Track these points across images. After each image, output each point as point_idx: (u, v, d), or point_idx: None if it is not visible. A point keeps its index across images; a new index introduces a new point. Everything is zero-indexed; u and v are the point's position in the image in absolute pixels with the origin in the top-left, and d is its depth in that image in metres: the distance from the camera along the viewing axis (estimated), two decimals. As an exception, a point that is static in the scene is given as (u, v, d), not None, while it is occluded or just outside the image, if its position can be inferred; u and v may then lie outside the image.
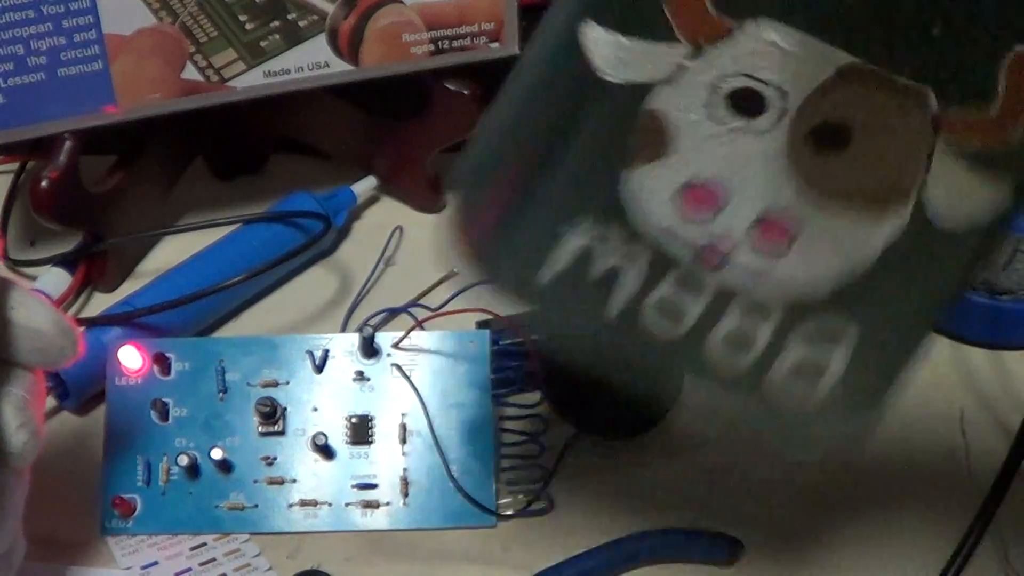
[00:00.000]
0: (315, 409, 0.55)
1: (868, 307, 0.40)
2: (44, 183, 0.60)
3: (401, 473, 0.54)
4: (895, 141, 0.37)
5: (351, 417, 0.55)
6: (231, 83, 0.62)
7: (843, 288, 0.39)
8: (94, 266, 0.65)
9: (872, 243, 0.38)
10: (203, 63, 0.61)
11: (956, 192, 0.37)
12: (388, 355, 0.56)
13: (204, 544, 0.52)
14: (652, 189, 0.38)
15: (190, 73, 0.61)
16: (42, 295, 0.62)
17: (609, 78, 0.37)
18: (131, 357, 0.55)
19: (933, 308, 0.41)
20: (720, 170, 0.38)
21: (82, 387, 0.57)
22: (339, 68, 0.63)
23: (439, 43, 0.63)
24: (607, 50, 0.37)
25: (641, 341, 0.40)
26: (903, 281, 0.39)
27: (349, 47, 0.63)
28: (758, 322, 0.40)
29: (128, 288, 0.64)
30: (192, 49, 0.61)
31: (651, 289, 0.40)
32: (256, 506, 0.53)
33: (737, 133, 0.37)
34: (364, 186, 0.69)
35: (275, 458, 0.54)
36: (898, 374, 0.41)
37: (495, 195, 0.41)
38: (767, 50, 0.36)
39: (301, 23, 0.62)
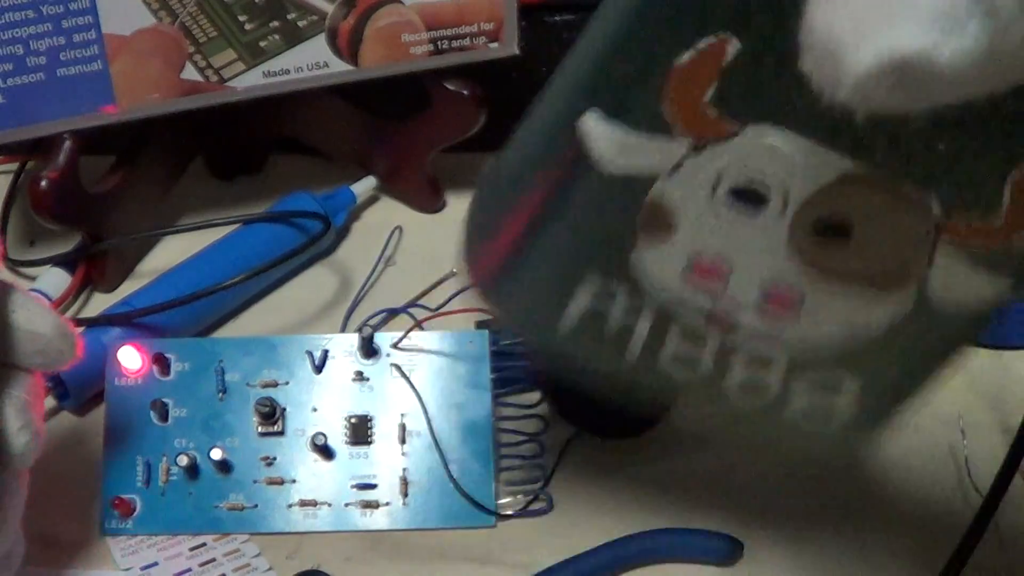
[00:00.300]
0: (315, 409, 0.55)
1: (869, 366, 0.40)
2: (43, 183, 0.60)
3: (401, 473, 0.54)
4: (896, 239, 0.37)
5: (350, 417, 0.55)
6: (230, 83, 0.62)
7: (846, 353, 0.40)
8: (94, 266, 0.65)
9: (874, 322, 0.39)
10: (202, 63, 0.61)
11: (958, 284, 0.37)
12: (387, 355, 0.56)
13: (204, 544, 0.52)
14: (659, 265, 0.39)
15: (189, 73, 0.61)
16: (41, 295, 0.62)
17: (610, 169, 0.37)
18: (131, 357, 0.55)
19: (937, 363, 0.42)
20: (724, 251, 0.38)
21: (82, 387, 0.57)
22: (338, 68, 0.63)
23: (438, 43, 0.63)
24: (606, 142, 0.37)
25: (660, 383, 0.42)
26: (905, 348, 0.40)
27: (348, 47, 0.63)
28: (767, 373, 0.41)
29: (128, 288, 0.64)
30: (191, 49, 0.61)
31: (664, 342, 0.41)
32: (256, 506, 0.53)
33: (739, 225, 0.37)
34: (364, 186, 0.69)
35: (275, 458, 0.54)
36: (902, 407, 0.43)
37: (496, 243, 0.42)
38: (767, 153, 0.36)
39: (300, 23, 0.62)
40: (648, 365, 0.41)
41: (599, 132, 0.37)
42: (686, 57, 0.35)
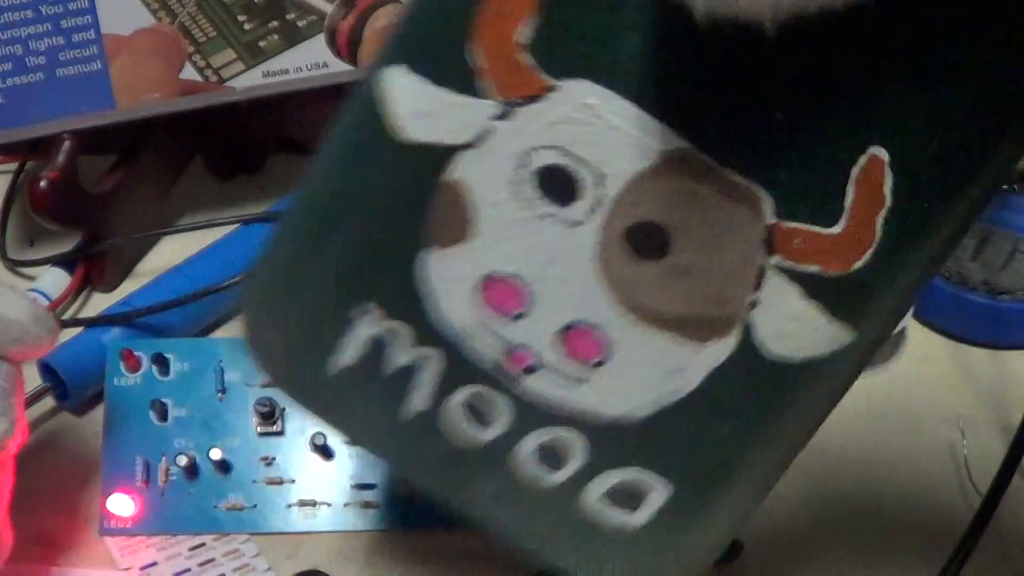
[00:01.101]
0: (314, 409, 0.55)
1: (686, 459, 0.34)
2: (43, 183, 0.60)
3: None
4: (720, 251, 0.31)
5: (350, 417, 0.55)
6: (230, 83, 0.62)
7: (656, 418, 0.33)
8: (93, 266, 0.65)
9: (691, 371, 0.33)
10: (202, 63, 0.61)
11: (787, 320, 0.31)
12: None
13: (203, 544, 0.52)
14: (449, 279, 0.33)
15: (189, 73, 0.61)
16: (40, 295, 0.62)
17: (406, 135, 0.32)
18: (130, 358, 0.55)
19: (770, 452, 0.34)
20: (524, 266, 0.32)
21: (81, 387, 0.57)
22: (338, 68, 0.63)
23: (438, 43, 0.63)
24: (410, 98, 0.32)
25: (440, 450, 0.35)
26: (726, 418, 0.33)
27: (348, 47, 0.63)
28: (568, 442, 0.34)
29: (127, 288, 0.64)
30: (191, 49, 0.61)
31: (449, 394, 0.35)
32: (255, 506, 0.53)
33: (546, 220, 0.32)
34: (363, 186, 0.69)
35: (274, 458, 0.54)
36: (726, 529, 0.36)
37: (268, 270, 0.36)
38: (585, 118, 0.31)
39: (300, 23, 0.62)
40: (426, 427, 0.35)
41: (403, 87, 0.32)
42: None
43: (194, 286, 0.60)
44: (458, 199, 0.32)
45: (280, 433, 0.54)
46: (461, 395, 0.35)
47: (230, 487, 0.54)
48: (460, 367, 0.34)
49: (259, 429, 0.54)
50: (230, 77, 0.62)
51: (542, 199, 0.32)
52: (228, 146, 0.71)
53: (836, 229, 0.30)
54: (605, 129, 0.30)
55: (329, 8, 0.62)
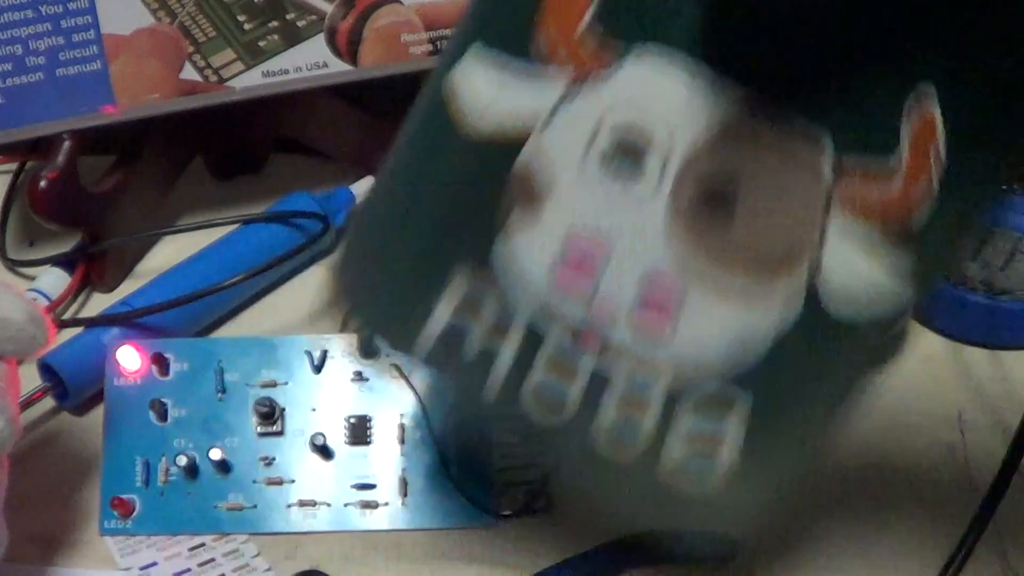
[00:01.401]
0: (314, 409, 0.55)
1: (761, 382, 0.35)
2: (43, 183, 0.60)
3: (400, 473, 0.54)
4: (784, 203, 0.32)
5: (350, 417, 0.55)
6: (230, 83, 0.62)
7: (732, 375, 0.35)
8: (93, 266, 0.65)
9: (760, 330, 0.34)
10: (201, 63, 0.61)
11: (852, 279, 0.33)
12: (387, 355, 0.56)
13: (203, 544, 0.52)
14: (527, 257, 0.35)
15: (189, 73, 0.61)
16: (40, 295, 0.62)
17: (478, 125, 0.34)
18: (130, 357, 0.55)
19: (838, 393, 0.37)
20: (598, 232, 0.34)
21: (81, 387, 0.57)
22: (337, 68, 0.63)
23: (437, 43, 0.63)
24: (477, 87, 0.33)
25: (524, 426, 0.37)
26: (796, 376, 0.35)
27: (347, 47, 0.63)
28: (641, 414, 0.36)
29: (127, 288, 0.64)
30: (191, 49, 0.61)
31: (528, 372, 0.36)
32: (255, 506, 0.53)
33: (615, 196, 0.33)
34: (363, 186, 0.69)
35: (274, 458, 0.54)
36: (804, 451, 0.38)
37: (367, 241, 0.39)
38: (652, 81, 0.32)
39: (299, 23, 0.62)
40: (509, 401, 0.36)
41: (469, 78, 0.34)
42: None
43: (194, 286, 0.60)
44: (532, 180, 0.34)
45: (280, 433, 0.54)
46: (538, 374, 0.36)
47: (230, 487, 0.54)
48: (546, 323, 0.35)
49: (259, 429, 0.54)
50: (230, 77, 0.62)
51: (610, 176, 0.33)
52: (228, 146, 0.71)
53: (894, 168, 0.31)
54: (671, 89, 0.32)
55: (329, 8, 0.62)
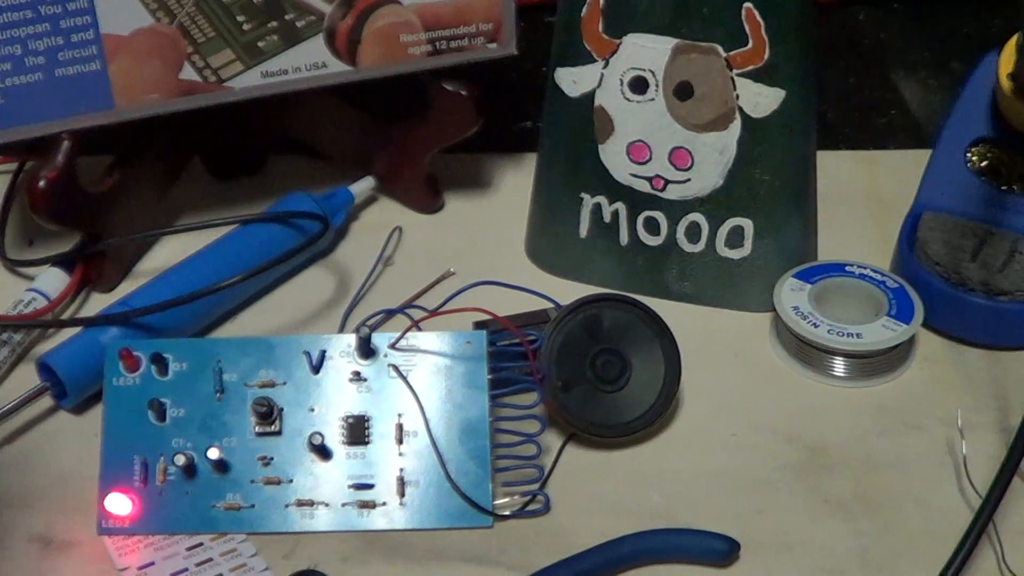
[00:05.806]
0: (312, 409, 0.55)
1: (742, 182, 0.62)
2: (42, 183, 0.60)
3: (398, 473, 0.54)
4: (714, 81, 0.60)
5: (348, 417, 0.55)
6: (229, 83, 0.62)
7: (729, 183, 0.62)
8: (92, 266, 0.65)
9: (728, 146, 0.61)
10: (201, 63, 0.61)
11: (752, 96, 0.60)
12: (385, 355, 0.56)
13: (201, 544, 0.52)
14: (614, 153, 0.63)
15: (188, 73, 0.61)
16: (40, 295, 0.62)
17: (571, 94, 0.63)
18: (129, 357, 0.55)
19: (796, 176, 0.63)
20: (641, 132, 0.62)
21: (79, 387, 0.57)
22: (337, 68, 0.63)
23: (437, 43, 0.63)
24: (567, 78, 0.63)
25: (643, 255, 0.64)
26: (756, 164, 0.62)
27: (347, 47, 0.63)
28: (698, 219, 0.63)
29: (126, 288, 0.64)
30: (190, 49, 0.61)
31: (635, 222, 0.64)
32: (253, 506, 0.53)
33: (640, 104, 0.62)
34: (362, 186, 0.69)
35: (272, 458, 0.54)
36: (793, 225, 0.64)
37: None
38: (640, 49, 0.61)
39: (299, 23, 0.62)
40: (633, 240, 0.64)
41: (563, 75, 0.63)
42: (585, 9, 0.61)
43: (192, 286, 0.60)
44: (603, 113, 0.63)
45: (278, 433, 0.54)
46: (641, 220, 0.64)
47: (228, 487, 0.54)
48: (635, 204, 0.64)
49: (257, 429, 0.54)
50: (229, 77, 0.62)
51: (634, 94, 0.62)
52: (227, 146, 0.72)
53: (749, 47, 0.59)
54: (649, 50, 0.61)
55: (328, 8, 0.62)
